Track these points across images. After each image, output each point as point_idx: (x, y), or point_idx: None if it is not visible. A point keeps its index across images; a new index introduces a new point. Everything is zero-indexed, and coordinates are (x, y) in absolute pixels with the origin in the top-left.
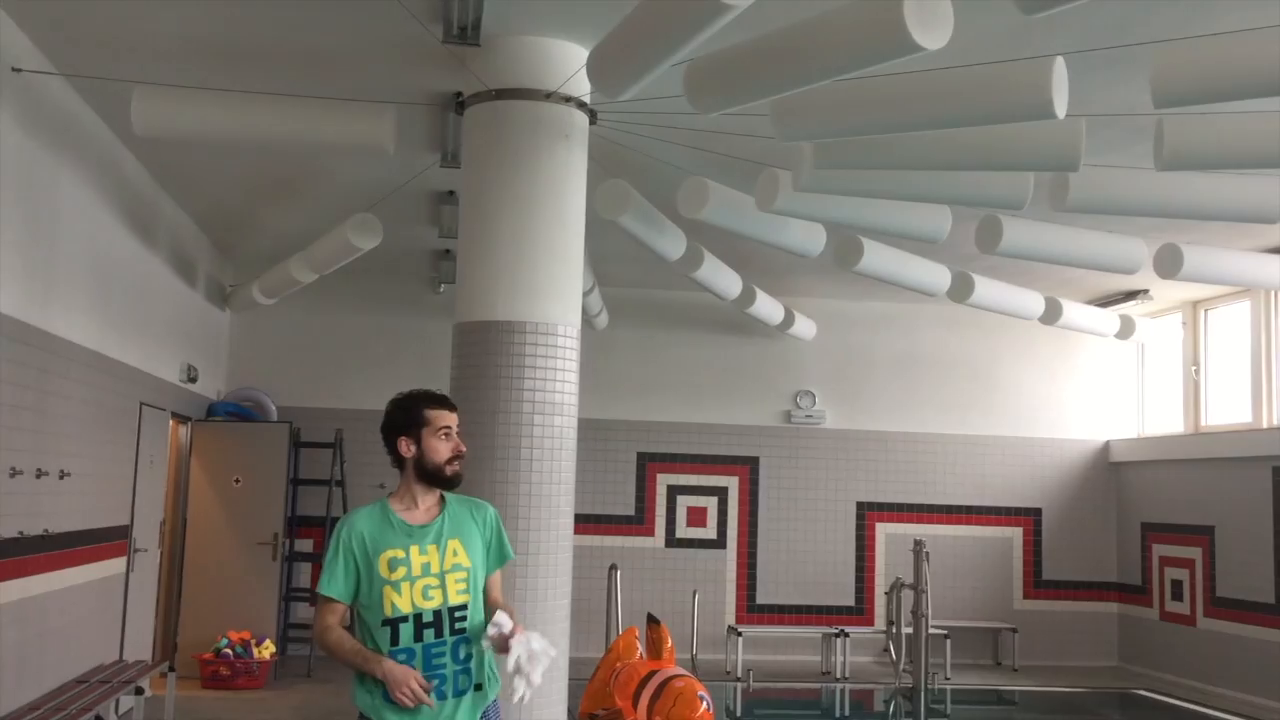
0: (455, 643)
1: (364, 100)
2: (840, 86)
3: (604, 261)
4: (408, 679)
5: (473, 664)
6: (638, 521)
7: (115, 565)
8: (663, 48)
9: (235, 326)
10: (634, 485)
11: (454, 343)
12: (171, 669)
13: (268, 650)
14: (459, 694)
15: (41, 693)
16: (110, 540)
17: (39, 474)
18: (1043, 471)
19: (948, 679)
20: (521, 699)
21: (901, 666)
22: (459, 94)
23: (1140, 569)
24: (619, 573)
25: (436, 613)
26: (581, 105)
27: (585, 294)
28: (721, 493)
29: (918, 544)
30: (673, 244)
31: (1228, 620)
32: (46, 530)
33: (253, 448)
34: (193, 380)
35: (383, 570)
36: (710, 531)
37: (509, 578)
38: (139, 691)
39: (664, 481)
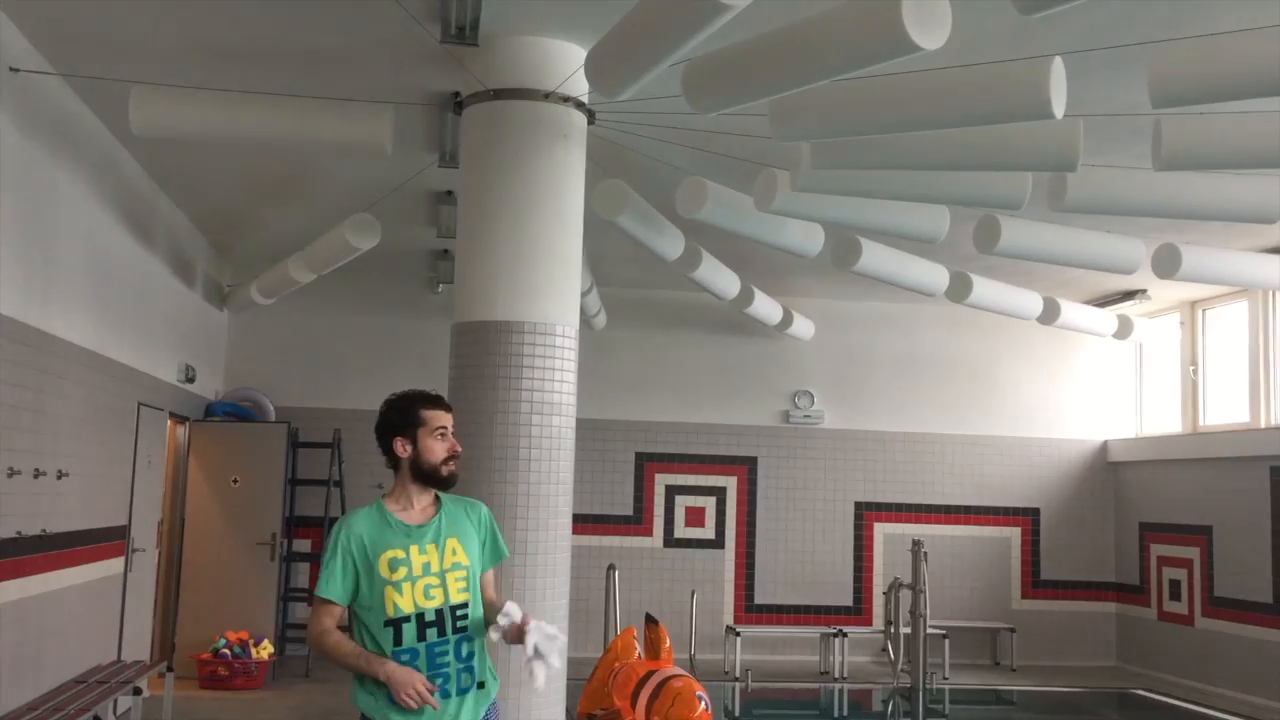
0: (458, 641)
1: (362, 100)
2: (838, 86)
3: (602, 261)
4: (412, 681)
5: (475, 662)
6: (636, 521)
7: (113, 565)
8: (661, 48)
9: (233, 326)
10: (632, 485)
11: (452, 343)
12: (169, 669)
13: (266, 650)
14: (462, 692)
15: (40, 693)
16: (108, 540)
17: (37, 474)
18: (1041, 471)
19: (946, 679)
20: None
21: (900, 666)
22: (457, 94)
23: (1138, 569)
24: (617, 573)
25: (439, 612)
26: (580, 105)
27: (583, 294)
28: (720, 493)
29: (916, 544)
30: (671, 244)
31: (1226, 620)
32: (44, 530)
33: (251, 448)
34: (191, 380)
35: (383, 571)
36: (709, 531)
37: (508, 577)
38: (137, 692)
39: (662, 481)
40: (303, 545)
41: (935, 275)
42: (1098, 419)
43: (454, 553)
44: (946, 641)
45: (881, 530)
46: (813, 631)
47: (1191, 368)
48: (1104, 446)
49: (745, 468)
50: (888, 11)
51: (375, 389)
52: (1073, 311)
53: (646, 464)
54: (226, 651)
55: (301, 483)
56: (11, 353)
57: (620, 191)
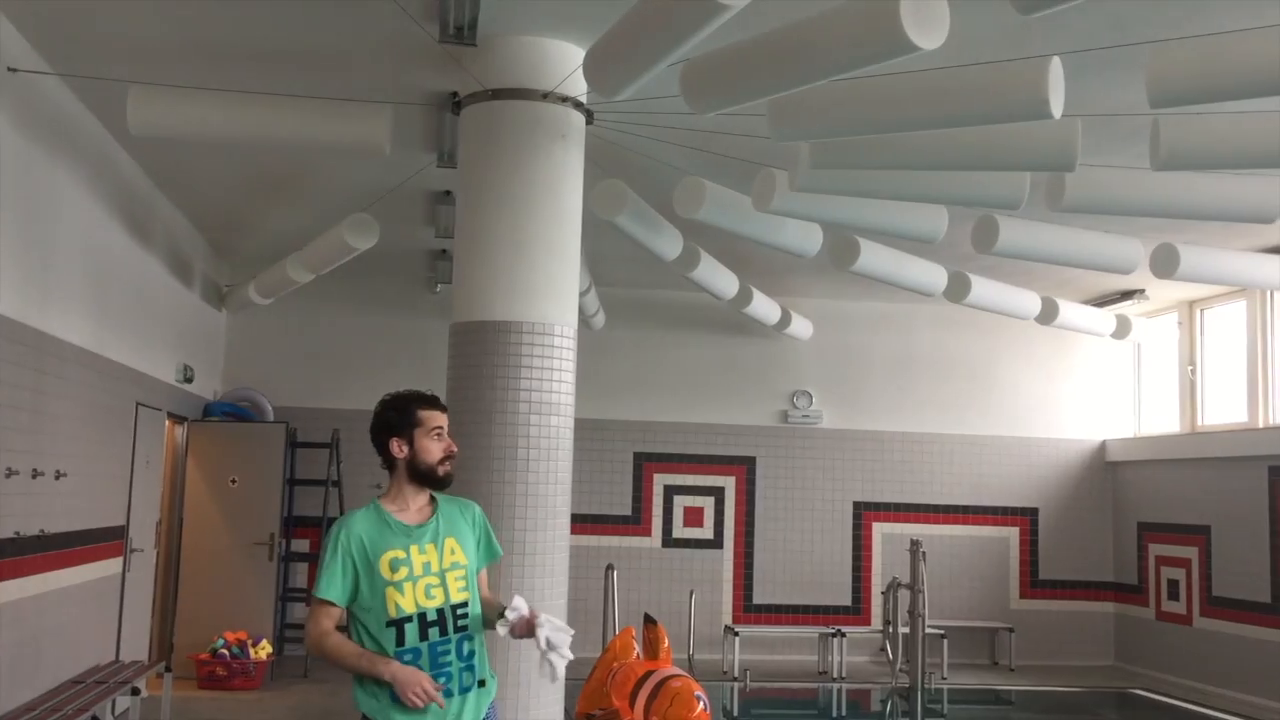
0: (459, 640)
1: (360, 100)
2: (837, 86)
3: (601, 261)
4: (419, 679)
5: (475, 660)
6: (634, 521)
7: (111, 566)
8: (659, 47)
9: (231, 327)
10: (631, 485)
11: (450, 343)
12: (168, 669)
13: (264, 651)
14: (464, 691)
15: (38, 693)
16: (106, 541)
17: (35, 474)
18: (1039, 471)
19: (944, 679)
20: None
21: (898, 666)
22: (455, 94)
23: (1136, 568)
24: (616, 573)
25: (440, 611)
26: (578, 105)
27: (582, 294)
28: (718, 493)
29: (914, 544)
30: (669, 244)
31: (1224, 620)
32: (42, 531)
33: (249, 448)
34: (189, 380)
35: (384, 571)
36: (707, 531)
37: (507, 578)
38: (135, 692)
39: (661, 481)
40: (301, 545)
41: (934, 275)
42: (1096, 419)
43: (452, 552)
44: (945, 641)
45: (880, 530)
46: (811, 631)
47: (1190, 367)
48: (1102, 446)
49: (744, 468)
50: (886, 11)
51: (374, 389)
52: (1071, 311)
53: (645, 464)
54: (225, 652)
55: (300, 483)
56: (9, 353)
57: (619, 191)
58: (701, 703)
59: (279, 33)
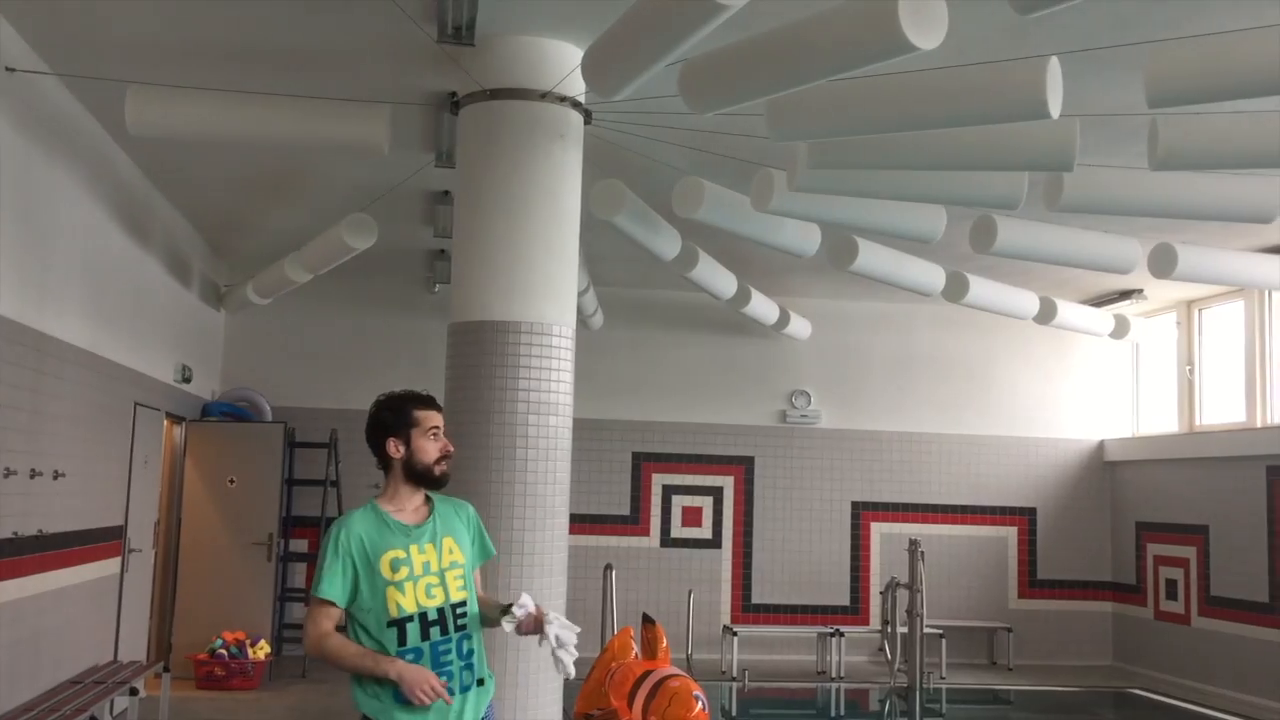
0: (459, 639)
1: (359, 100)
2: (835, 86)
3: (599, 261)
4: (426, 677)
5: (474, 659)
6: (633, 521)
7: (110, 566)
8: (658, 47)
9: (230, 326)
10: (629, 485)
11: (449, 343)
12: (166, 669)
13: (263, 651)
14: (464, 689)
15: (36, 693)
16: (105, 541)
17: (33, 474)
18: (1038, 471)
19: (943, 678)
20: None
21: (897, 666)
22: (454, 94)
23: (1135, 568)
24: (614, 573)
25: (440, 610)
26: (576, 105)
27: (580, 294)
28: (717, 492)
29: (913, 543)
30: (668, 244)
31: (1222, 619)
32: (41, 531)
33: (247, 448)
34: (187, 380)
35: (385, 571)
36: (705, 531)
37: (506, 577)
38: (134, 692)
39: (659, 481)
40: (300, 545)
41: (932, 275)
42: (1094, 418)
43: (451, 551)
44: (943, 641)
45: (878, 530)
46: (810, 631)
47: (1188, 367)
48: (1100, 446)
49: (742, 467)
50: (884, 11)
51: (372, 389)
52: (1069, 311)
53: (643, 464)
54: (223, 652)
55: (298, 483)
56: (8, 353)
57: (617, 191)
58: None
59: (277, 33)
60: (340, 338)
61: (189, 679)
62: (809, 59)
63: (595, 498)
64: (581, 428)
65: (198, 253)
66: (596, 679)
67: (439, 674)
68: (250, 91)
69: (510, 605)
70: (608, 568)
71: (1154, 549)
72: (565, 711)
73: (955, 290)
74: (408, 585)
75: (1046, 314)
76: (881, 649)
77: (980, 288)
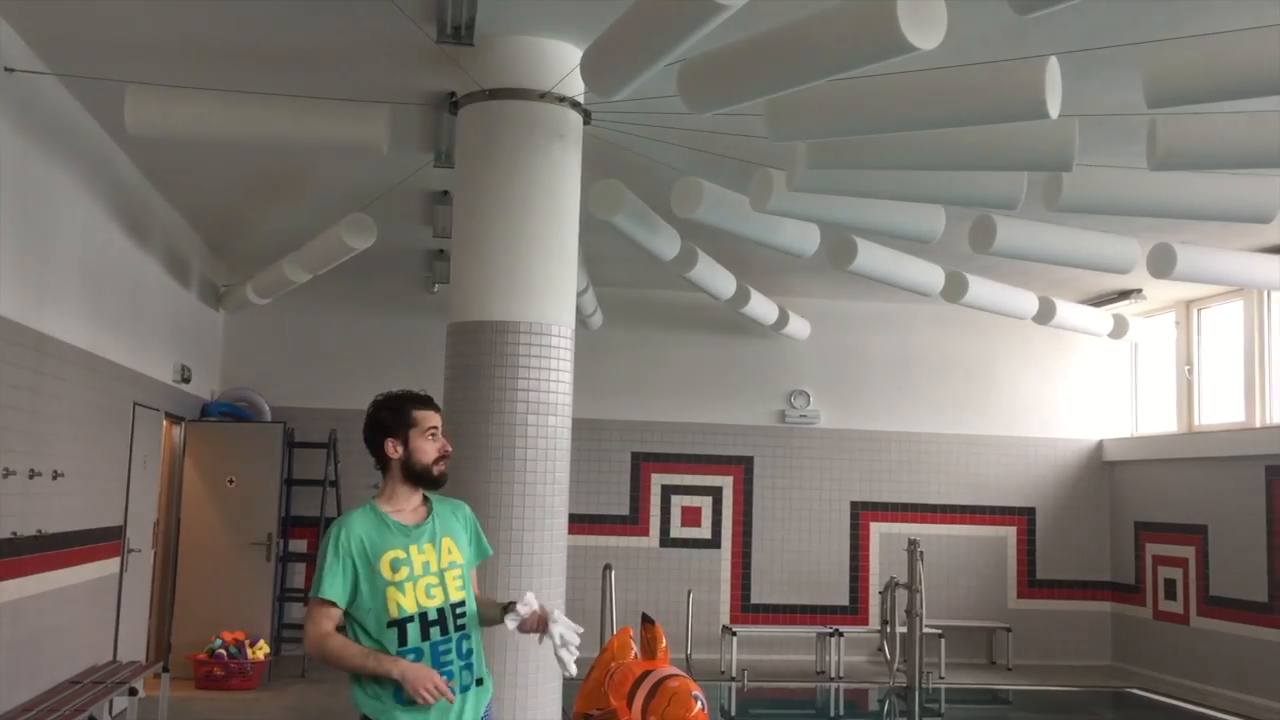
0: (459, 639)
1: (358, 100)
2: (834, 86)
3: (598, 262)
4: (430, 675)
5: (474, 659)
6: (632, 521)
7: (109, 566)
8: (656, 48)
9: (229, 326)
10: (628, 485)
11: (448, 343)
12: (165, 670)
13: (262, 651)
14: (464, 689)
15: (35, 694)
16: (104, 541)
17: (32, 474)
18: (1037, 471)
19: (942, 678)
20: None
21: (896, 666)
22: (453, 94)
23: (1134, 568)
24: (613, 573)
25: (440, 611)
26: (575, 105)
27: (579, 294)
28: (716, 492)
29: (912, 543)
30: (667, 244)
31: (1221, 619)
32: (40, 531)
33: (246, 448)
34: (186, 380)
35: (385, 572)
36: (705, 531)
37: (505, 577)
38: (133, 692)
39: (658, 481)
40: (299, 545)
41: (931, 275)
42: (1093, 418)
43: (449, 551)
44: (942, 641)
45: (877, 530)
46: (809, 631)
47: (1187, 367)
48: (1099, 446)
49: (741, 467)
50: (883, 11)
51: (371, 389)
52: (1068, 311)
53: (642, 464)
54: (222, 652)
55: (297, 483)
56: (6, 353)
57: (616, 191)
58: (699, 702)
59: (276, 32)
60: (339, 338)
61: (188, 679)
62: (808, 59)
63: (594, 498)
64: (581, 428)
65: (197, 253)
66: (596, 679)
67: (440, 673)
68: (249, 91)
69: (512, 603)
70: (607, 568)
71: (1153, 549)
72: (565, 711)
73: (954, 290)
74: (408, 585)
75: (1045, 314)
76: (881, 649)
77: (979, 288)
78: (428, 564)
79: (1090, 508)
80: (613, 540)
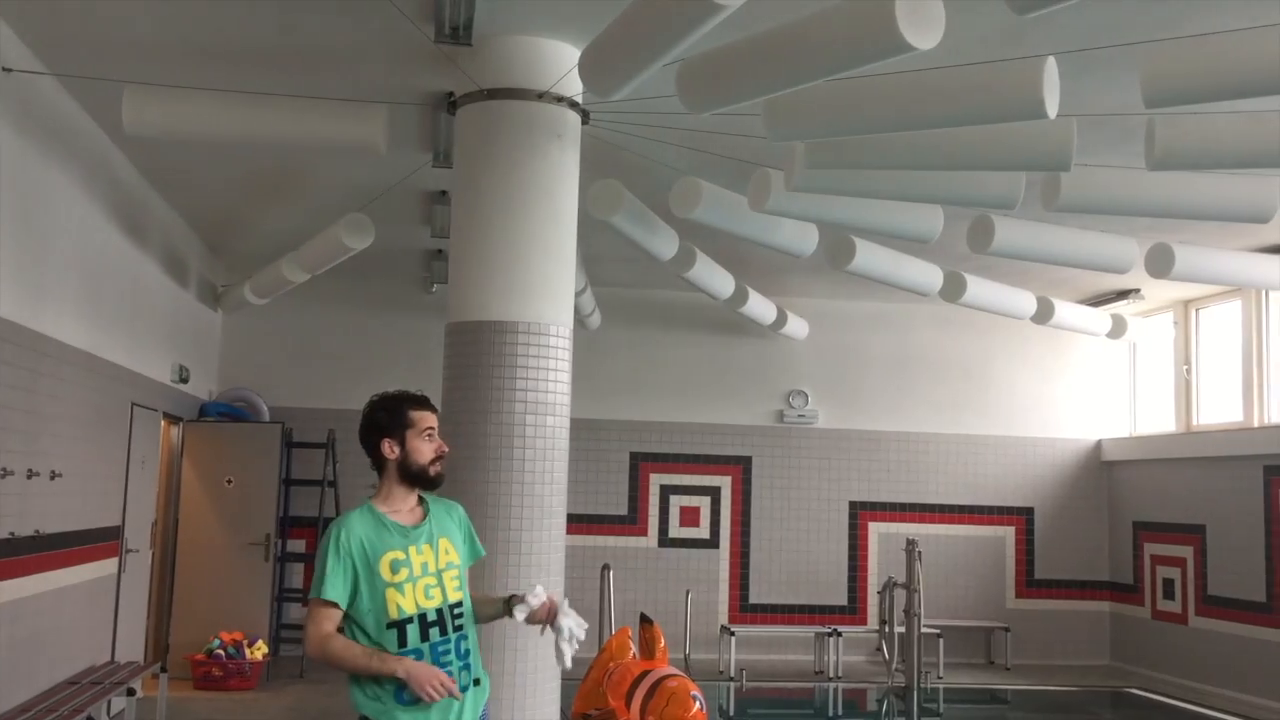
0: (457, 639)
1: (356, 100)
2: (832, 86)
3: (596, 262)
4: (435, 673)
5: (472, 659)
6: (630, 521)
7: (107, 566)
8: (655, 48)
9: (227, 327)
10: (627, 485)
11: (446, 343)
12: (163, 670)
13: (260, 651)
14: (462, 689)
15: (33, 694)
16: (102, 541)
17: (30, 474)
18: (1035, 470)
19: (940, 678)
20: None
21: (894, 666)
22: (451, 94)
23: (1132, 568)
24: (612, 573)
25: (439, 611)
26: (574, 105)
27: (578, 294)
28: (714, 492)
29: (910, 543)
30: (665, 244)
31: (1219, 619)
32: (38, 531)
33: (245, 448)
34: (184, 381)
35: (384, 573)
36: (703, 531)
37: (504, 577)
38: (131, 693)
39: (657, 481)
40: (297, 546)
41: (929, 275)
42: (1092, 418)
43: (447, 552)
44: (941, 641)
45: (876, 529)
46: (807, 631)
47: (1185, 367)
48: (1098, 446)
49: (740, 467)
50: (881, 11)
51: (369, 389)
52: (1066, 311)
53: (641, 464)
54: (220, 652)
55: (296, 483)
56: (4, 353)
57: (614, 191)
58: (698, 702)
59: (274, 33)
60: (338, 338)
61: (186, 679)
62: (806, 59)
63: (593, 498)
64: (579, 428)
65: (195, 253)
66: (594, 679)
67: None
68: (247, 91)
69: (513, 595)
70: (605, 568)
71: (1151, 549)
72: (563, 712)
73: (953, 290)
74: (407, 586)
75: (1044, 314)
76: (879, 649)
77: (978, 287)
78: (426, 565)
79: (1089, 507)
80: (611, 540)
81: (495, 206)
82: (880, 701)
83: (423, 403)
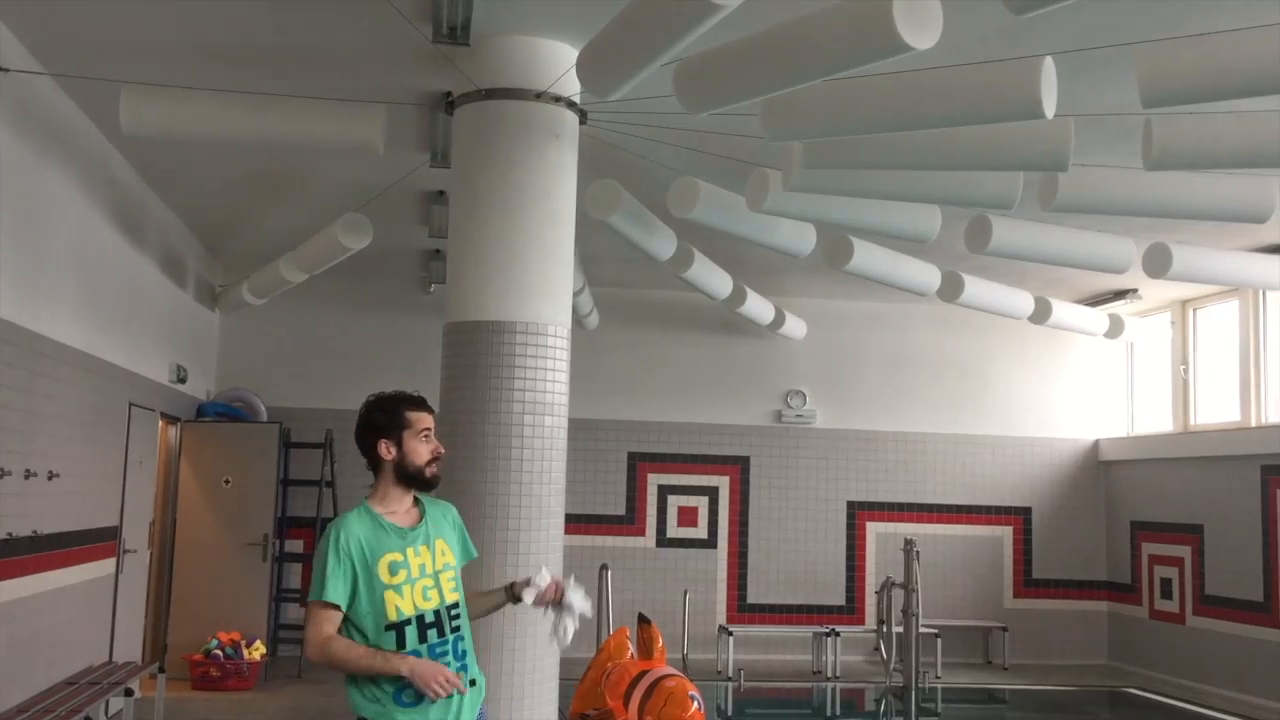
0: (454, 640)
1: (354, 100)
2: (830, 86)
3: (594, 262)
4: (439, 669)
5: (468, 660)
6: (628, 521)
7: (105, 566)
8: (652, 47)
9: (225, 327)
10: (625, 485)
11: (444, 343)
12: (161, 670)
13: (258, 651)
14: (458, 693)
15: (31, 694)
16: (100, 541)
17: (28, 475)
18: (1033, 470)
19: (938, 678)
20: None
21: (892, 665)
22: (449, 94)
23: (1130, 567)
24: (610, 573)
25: (437, 612)
26: (571, 105)
27: (576, 294)
28: (712, 492)
29: (908, 543)
30: (663, 244)
31: (1217, 618)
32: (35, 531)
33: (242, 448)
34: (182, 381)
35: (383, 575)
36: (701, 531)
37: (502, 578)
38: (128, 693)
39: (655, 481)
40: (295, 546)
41: (927, 275)
42: (1089, 418)
43: (443, 553)
44: (939, 640)
45: (874, 529)
46: (805, 631)
47: (1182, 367)
48: (1095, 445)
49: (738, 467)
50: (879, 11)
51: (367, 389)
52: (1064, 311)
53: (639, 464)
54: (218, 652)
55: (293, 483)
56: (1, 353)
57: (612, 191)
58: (696, 703)
59: (272, 33)
60: (335, 338)
61: (184, 680)
62: (804, 59)
63: (591, 498)
64: (577, 428)
65: (193, 253)
66: (592, 679)
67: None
68: (245, 91)
69: (514, 582)
70: (603, 568)
71: (1149, 548)
72: (561, 712)
73: (950, 290)
74: (405, 588)
75: (1041, 314)
76: (877, 648)
77: (975, 287)
78: (424, 566)
79: (1086, 507)
80: (609, 540)
81: (493, 206)
82: (878, 701)
83: (420, 404)
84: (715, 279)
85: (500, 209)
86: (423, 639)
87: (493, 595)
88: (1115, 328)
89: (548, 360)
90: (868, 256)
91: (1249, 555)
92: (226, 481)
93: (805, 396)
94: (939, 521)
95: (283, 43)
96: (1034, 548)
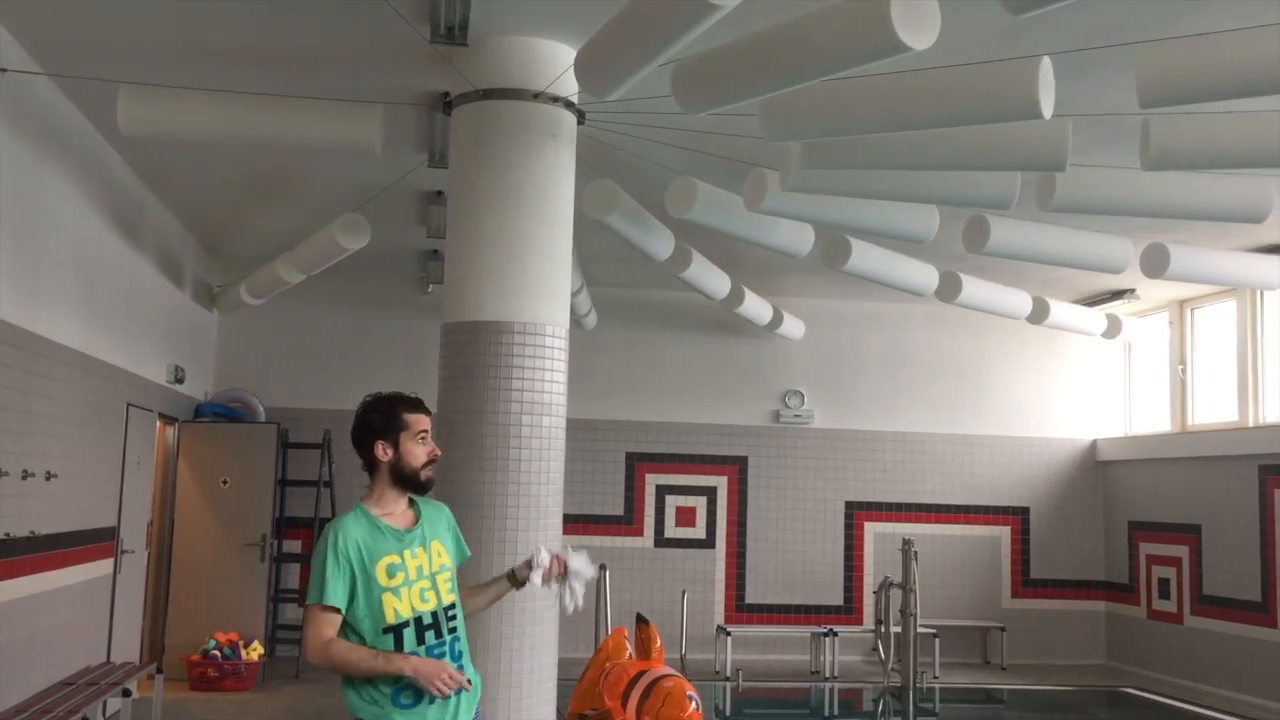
0: (451, 641)
1: (351, 100)
2: (828, 86)
3: (592, 262)
4: (442, 667)
5: (464, 660)
6: (626, 521)
7: (102, 567)
8: (650, 48)
9: (223, 327)
10: (623, 485)
11: (442, 343)
12: (159, 671)
13: (256, 652)
14: (458, 691)
15: (28, 695)
16: (97, 542)
17: (25, 475)
18: (1031, 470)
19: (936, 678)
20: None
21: (890, 665)
22: (446, 94)
23: (1128, 567)
24: (608, 573)
25: (434, 614)
26: (569, 105)
27: (573, 294)
28: (710, 492)
29: (906, 543)
30: (661, 244)
31: (1214, 618)
32: (33, 532)
33: (240, 449)
34: (180, 381)
35: (381, 577)
36: (699, 531)
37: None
38: (126, 693)
39: (653, 481)
40: (293, 546)
41: (925, 275)
42: (1087, 418)
43: (439, 554)
44: (937, 640)
45: (872, 529)
46: (803, 631)
47: (1180, 367)
48: (1093, 445)
49: (736, 467)
50: (877, 11)
51: (365, 390)
52: (1062, 311)
53: (637, 464)
54: (216, 653)
55: (291, 484)
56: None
57: (610, 191)
58: (694, 703)
59: (269, 33)
60: (333, 338)
61: (182, 680)
62: (802, 59)
63: (589, 498)
64: (575, 428)
65: (190, 253)
66: (590, 679)
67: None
68: (242, 92)
69: (513, 568)
70: (601, 568)
71: (1147, 548)
72: (559, 712)
73: (948, 290)
74: (403, 590)
75: (1039, 314)
76: (875, 649)
77: (973, 287)
78: (421, 568)
79: (1084, 507)
80: (607, 540)
81: (491, 206)
82: (876, 701)
83: (417, 405)
84: (713, 279)
85: (498, 209)
86: (420, 641)
87: (493, 587)
88: (1113, 328)
89: (546, 360)
90: (866, 256)
91: (1247, 555)
92: (224, 482)
93: (803, 396)
94: (937, 521)
95: (280, 43)
96: (1032, 548)
